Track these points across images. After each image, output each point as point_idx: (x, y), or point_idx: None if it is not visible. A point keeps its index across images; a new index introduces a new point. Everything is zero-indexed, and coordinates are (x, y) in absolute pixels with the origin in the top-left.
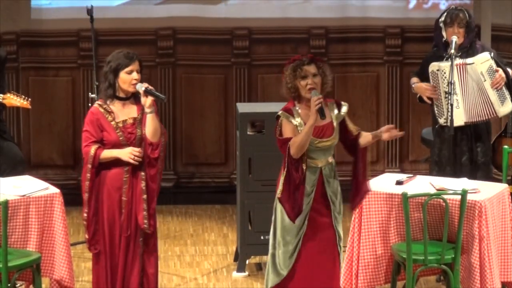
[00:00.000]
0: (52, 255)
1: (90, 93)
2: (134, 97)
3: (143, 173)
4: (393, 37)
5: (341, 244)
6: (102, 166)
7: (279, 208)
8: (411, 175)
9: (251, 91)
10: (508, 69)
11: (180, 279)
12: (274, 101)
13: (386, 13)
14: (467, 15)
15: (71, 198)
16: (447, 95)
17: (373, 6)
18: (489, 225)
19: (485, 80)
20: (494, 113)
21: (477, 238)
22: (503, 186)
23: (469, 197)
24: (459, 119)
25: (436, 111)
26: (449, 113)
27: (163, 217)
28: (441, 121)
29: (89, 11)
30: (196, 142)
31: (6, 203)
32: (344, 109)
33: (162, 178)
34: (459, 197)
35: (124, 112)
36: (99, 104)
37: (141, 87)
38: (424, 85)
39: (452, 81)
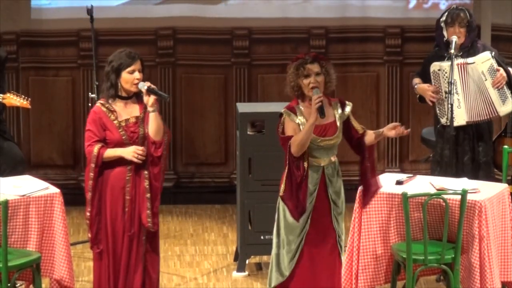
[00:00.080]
0: (52, 255)
1: (90, 93)
2: (136, 96)
3: (146, 172)
4: (393, 37)
5: (342, 244)
6: (105, 165)
7: (281, 207)
8: (411, 175)
9: (251, 91)
10: (509, 68)
11: (180, 279)
12: (274, 101)
13: (386, 13)
14: (468, 14)
15: (71, 198)
16: (447, 95)
17: (373, 6)
18: (489, 225)
19: (486, 80)
20: (496, 113)
21: (477, 238)
22: (503, 186)
23: (469, 197)
24: (461, 119)
25: (438, 111)
26: (450, 113)
27: (163, 217)
28: (443, 121)
29: (89, 11)
30: (196, 142)
31: (6, 203)
32: (348, 108)
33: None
34: (459, 197)
35: (126, 111)
36: (101, 103)
37: (144, 86)
38: (426, 86)
39: (452, 81)
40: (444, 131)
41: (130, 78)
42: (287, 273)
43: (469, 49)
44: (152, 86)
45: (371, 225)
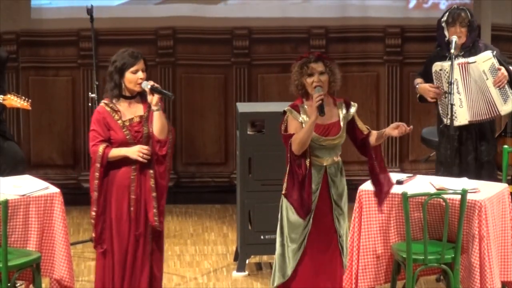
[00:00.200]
0: (52, 255)
1: (90, 93)
2: (140, 96)
3: (151, 171)
4: (393, 36)
5: (344, 245)
6: (110, 164)
7: (284, 205)
8: (411, 175)
9: (251, 91)
10: (511, 67)
11: (180, 279)
12: (274, 101)
13: (386, 12)
14: (469, 14)
15: (71, 198)
16: (447, 95)
17: (373, 5)
18: (489, 225)
19: (487, 79)
20: (497, 112)
21: (477, 238)
22: (503, 186)
23: (469, 196)
24: (463, 118)
25: (440, 111)
26: (449, 113)
27: None
28: (446, 120)
29: (89, 10)
30: (196, 142)
31: (6, 203)
32: (353, 109)
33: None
34: (459, 196)
35: (130, 111)
36: (105, 103)
37: (147, 85)
38: (428, 85)
39: (452, 81)
40: (447, 131)
41: (134, 77)
42: (289, 272)
43: (470, 48)
44: (156, 85)
45: (371, 225)
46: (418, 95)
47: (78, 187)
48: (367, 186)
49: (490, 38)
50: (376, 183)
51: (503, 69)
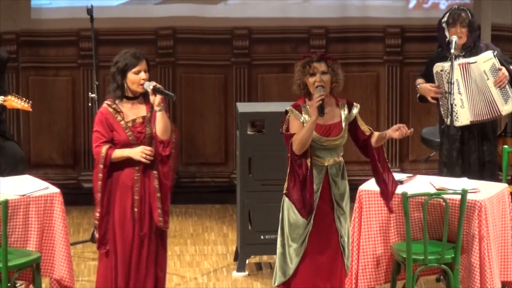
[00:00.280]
0: (52, 255)
1: (90, 93)
2: (143, 96)
3: (155, 172)
4: (393, 36)
5: (345, 245)
6: (114, 165)
7: (285, 205)
8: (411, 175)
9: (251, 91)
10: None
11: (180, 279)
12: (274, 100)
13: (386, 13)
14: (469, 14)
15: (71, 198)
16: (447, 95)
17: (373, 5)
18: (489, 225)
19: (488, 79)
20: (498, 112)
21: (477, 238)
22: (503, 186)
23: (469, 196)
24: (465, 119)
25: (442, 112)
26: (449, 113)
27: None
28: (447, 121)
29: (89, 10)
30: (196, 142)
31: (6, 203)
32: (355, 110)
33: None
34: (459, 196)
35: (133, 112)
36: (108, 104)
37: (149, 86)
38: (428, 85)
39: (452, 81)
40: (453, 132)
41: (136, 78)
42: (290, 272)
43: (471, 49)
44: (158, 85)
45: (371, 225)
46: (418, 95)
47: (78, 187)
48: (367, 186)
49: (490, 38)
50: (381, 183)
51: (503, 69)
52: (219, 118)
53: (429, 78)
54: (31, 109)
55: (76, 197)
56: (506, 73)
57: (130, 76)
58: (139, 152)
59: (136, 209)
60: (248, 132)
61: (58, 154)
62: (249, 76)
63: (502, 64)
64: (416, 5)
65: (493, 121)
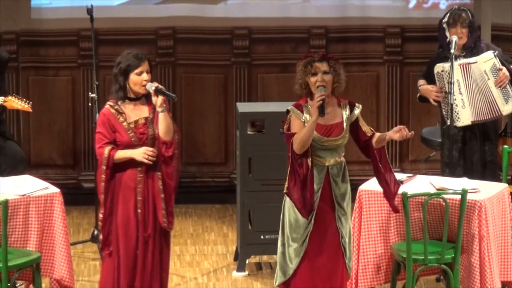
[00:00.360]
0: (52, 255)
1: (90, 93)
2: (145, 97)
3: (159, 173)
4: (393, 36)
5: (346, 246)
6: (116, 166)
7: (287, 204)
8: (411, 175)
9: (251, 91)
10: None
11: (180, 279)
12: (274, 100)
13: (386, 12)
14: (469, 15)
15: (71, 198)
16: (447, 95)
17: (373, 5)
18: (489, 225)
19: (488, 79)
20: (499, 112)
21: (477, 238)
22: (503, 186)
23: (469, 196)
24: (466, 119)
25: (444, 112)
26: (449, 113)
27: None
28: (448, 121)
29: (89, 10)
30: (196, 142)
31: (6, 203)
32: (357, 110)
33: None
34: (459, 196)
35: (135, 113)
36: (110, 105)
37: (151, 87)
38: (430, 87)
39: (452, 81)
40: (453, 132)
41: (138, 79)
42: (290, 272)
43: (472, 49)
44: (160, 86)
45: (371, 225)
46: (418, 95)
47: (78, 187)
48: (367, 186)
49: (490, 38)
50: (383, 184)
51: (504, 69)
52: (219, 118)
53: (430, 78)
54: (31, 110)
55: (76, 197)
56: (507, 73)
57: (132, 77)
58: (141, 153)
59: (139, 210)
60: (248, 132)
61: (58, 154)
62: (249, 76)
63: (503, 64)
64: (416, 5)
65: (495, 121)
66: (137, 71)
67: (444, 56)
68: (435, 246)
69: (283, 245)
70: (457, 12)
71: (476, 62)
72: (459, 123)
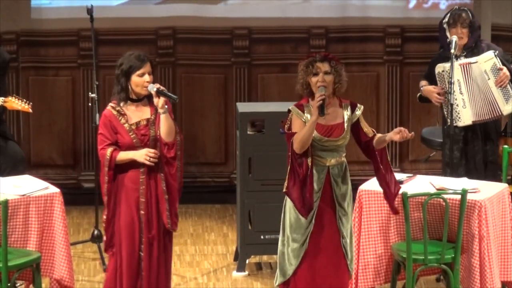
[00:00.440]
0: (52, 255)
1: (90, 93)
2: (147, 98)
3: (162, 174)
4: (393, 36)
5: (347, 246)
6: (119, 168)
7: (288, 204)
8: (411, 175)
9: (251, 91)
10: None
11: (180, 279)
12: (274, 100)
13: (386, 12)
14: (470, 15)
15: (71, 198)
16: (447, 95)
17: (373, 5)
18: (489, 225)
19: (489, 79)
20: (499, 112)
21: (477, 238)
22: (503, 186)
23: (469, 196)
24: (467, 119)
25: (445, 112)
26: (449, 113)
27: None
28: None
29: (89, 10)
30: (196, 142)
31: (6, 203)
32: (359, 111)
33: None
34: (459, 196)
35: (137, 114)
36: (112, 107)
37: (153, 88)
38: (432, 88)
39: (452, 81)
40: (453, 132)
41: (140, 81)
42: (290, 272)
43: (473, 49)
44: (162, 88)
45: (371, 225)
46: (418, 95)
47: (78, 187)
48: (367, 186)
49: (490, 38)
50: (384, 185)
51: (505, 69)
52: (219, 118)
53: (432, 79)
54: (31, 111)
55: (76, 197)
56: (507, 73)
57: (134, 78)
58: (143, 155)
59: (142, 212)
60: (248, 132)
61: (58, 154)
62: (249, 76)
63: (503, 64)
64: (416, 5)
65: (496, 121)
66: (139, 72)
67: (445, 56)
68: (435, 246)
69: (283, 245)
70: (457, 12)
71: (476, 62)
72: (460, 123)
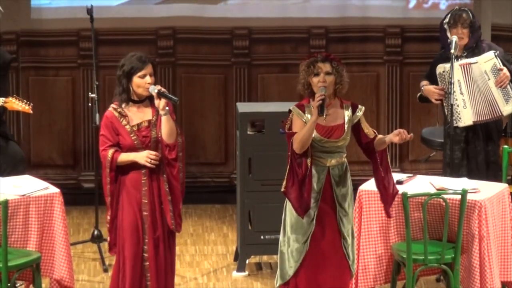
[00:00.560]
0: (52, 255)
1: (90, 93)
2: (149, 99)
3: (164, 176)
4: (393, 36)
5: (347, 247)
6: (121, 169)
7: (288, 205)
8: (411, 175)
9: (251, 91)
10: None
11: (180, 279)
12: (274, 101)
13: (386, 12)
14: (470, 15)
15: (71, 198)
16: (447, 95)
17: (373, 5)
18: (489, 225)
19: (489, 79)
20: (499, 112)
21: (477, 238)
22: (503, 186)
23: (469, 196)
24: (468, 119)
25: (446, 112)
26: (449, 113)
27: None
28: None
29: (89, 10)
30: (196, 142)
31: (6, 203)
32: (360, 112)
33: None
34: (459, 196)
35: (138, 115)
36: (113, 108)
37: (154, 90)
38: (432, 87)
39: (452, 81)
40: (454, 132)
41: (142, 82)
42: (290, 272)
43: (473, 49)
44: (163, 89)
45: (371, 225)
46: (418, 95)
47: (78, 187)
48: (367, 186)
49: (490, 38)
50: (381, 187)
51: (505, 69)
52: (219, 118)
53: (433, 79)
54: (31, 112)
55: (76, 197)
56: (507, 73)
57: (136, 79)
58: (144, 157)
59: (145, 213)
60: (248, 132)
61: (58, 154)
62: (249, 76)
63: (503, 64)
64: (416, 5)
65: (497, 121)
66: (140, 73)
67: (447, 56)
68: (435, 246)
69: (284, 245)
70: (457, 13)
71: (476, 62)
72: (461, 123)
